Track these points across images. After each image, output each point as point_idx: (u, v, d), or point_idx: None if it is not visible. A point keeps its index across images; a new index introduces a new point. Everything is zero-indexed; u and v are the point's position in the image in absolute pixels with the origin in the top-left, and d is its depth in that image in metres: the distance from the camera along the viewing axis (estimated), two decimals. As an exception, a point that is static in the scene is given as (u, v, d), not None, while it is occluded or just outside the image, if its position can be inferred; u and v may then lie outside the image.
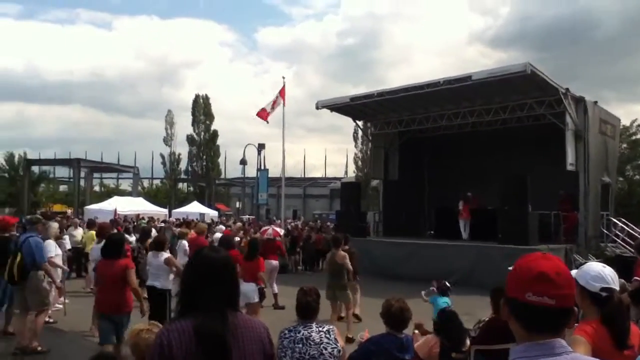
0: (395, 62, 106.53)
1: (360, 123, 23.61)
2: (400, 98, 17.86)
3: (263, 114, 20.61)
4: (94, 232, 12.05)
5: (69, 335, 8.55)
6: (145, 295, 7.79)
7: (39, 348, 7.19)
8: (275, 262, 12.05)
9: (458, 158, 20.27)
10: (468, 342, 4.66)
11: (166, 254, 8.25)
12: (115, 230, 13.24)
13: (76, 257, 14.33)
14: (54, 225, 10.11)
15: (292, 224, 28.33)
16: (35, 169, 41.64)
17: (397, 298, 4.00)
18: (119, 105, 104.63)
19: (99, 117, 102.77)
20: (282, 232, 14.47)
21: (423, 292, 7.65)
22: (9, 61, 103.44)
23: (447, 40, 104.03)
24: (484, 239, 15.64)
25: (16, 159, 43.84)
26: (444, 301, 6.89)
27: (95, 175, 46.72)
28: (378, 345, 3.76)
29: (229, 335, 2.12)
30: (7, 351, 7.37)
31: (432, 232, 19.97)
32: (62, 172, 50.61)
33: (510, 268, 1.56)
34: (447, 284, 7.35)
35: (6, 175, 44.09)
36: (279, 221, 23.20)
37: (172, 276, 8.06)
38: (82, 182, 39.93)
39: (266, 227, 15.15)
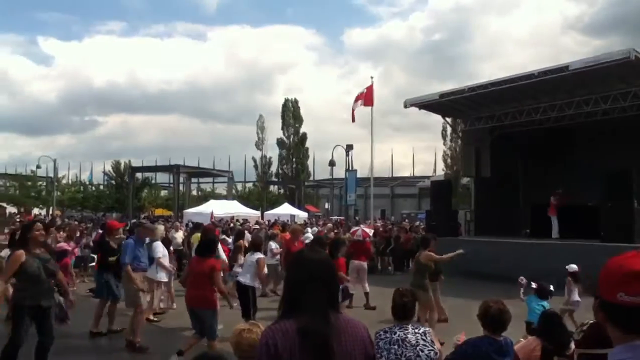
0: (485, 55, 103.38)
1: (449, 120, 23.10)
2: (492, 92, 17.24)
3: (353, 115, 20.72)
4: (199, 234, 12.61)
5: (173, 334, 9.03)
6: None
7: (138, 345, 7.52)
8: (363, 263, 11.98)
9: (555, 153, 19.26)
10: (572, 345, 4.44)
11: (260, 255, 8.62)
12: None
13: (177, 259, 15.14)
14: (161, 228, 10.79)
15: (381, 224, 28.23)
16: (138, 175, 44.44)
17: (496, 299, 3.87)
18: (213, 113, 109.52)
19: (195, 124, 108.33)
20: (371, 232, 14.40)
21: (521, 291, 7.41)
22: (115, 75, 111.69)
23: (539, 29, 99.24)
24: (584, 237, 14.76)
25: (122, 166, 47.05)
26: (541, 304, 6.62)
27: (193, 180, 49.09)
28: (476, 348, 3.65)
29: (333, 336, 2.14)
30: (115, 348, 7.85)
31: (528, 230, 19.11)
32: (162, 178, 53.65)
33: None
34: (551, 288, 7.00)
35: (113, 182, 47.40)
36: (369, 221, 23.23)
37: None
38: (181, 187, 42.14)
39: (356, 228, 15.16)
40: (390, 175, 65.06)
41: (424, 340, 3.58)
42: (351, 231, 15.71)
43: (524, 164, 21.08)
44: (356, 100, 20.37)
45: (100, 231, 13.38)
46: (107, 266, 8.55)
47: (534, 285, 7.06)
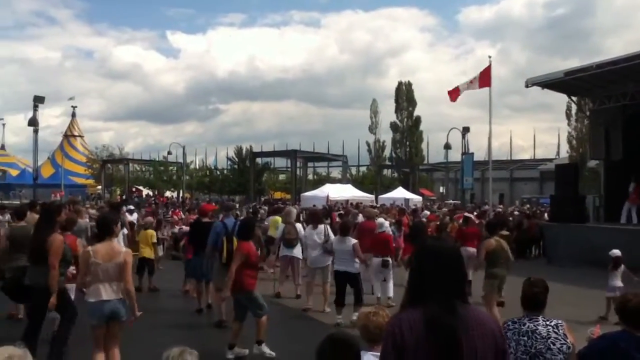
0: (614, 28, 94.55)
1: (575, 99, 21.72)
2: (624, 69, 15.99)
3: (453, 93, 19.49)
4: (278, 218, 12.74)
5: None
6: None
7: (225, 324, 7.78)
8: (471, 249, 11.26)
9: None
10: None
11: (352, 240, 8.65)
12: (329, 218, 14.26)
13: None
14: (293, 211, 11.25)
15: (497, 209, 27.27)
16: (258, 160, 46.47)
17: (635, 293, 3.68)
18: (327, 98, 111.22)
19: (310, 110, 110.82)
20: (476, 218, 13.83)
21: None
22: (236, 65, 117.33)
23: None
24: None
25: (243, 152, 49.47)
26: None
27: (309, 164, 50.43)
28: (613, 343, 3.50)
29: (460, 328, 2.10)
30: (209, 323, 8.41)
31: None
32: (281, 162, 55.59)
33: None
34: None
35: (236, 166, 50.02)
36: (484, 206, 22.48)
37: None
38: (298, 171, 43.51)
39: (459, 214, 14.57)
40: (509, 158, 62.20)
41: (555, 332, 3.50)
42: (455, 217, 15.24)
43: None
44: (468, 86, 19.21)
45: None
46: (202, 247, 8.72)
47: None
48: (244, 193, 44.86)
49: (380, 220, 11.17)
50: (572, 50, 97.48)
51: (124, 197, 38.76)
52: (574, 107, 37.41)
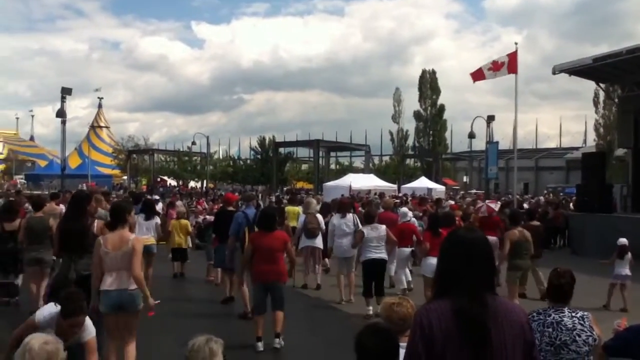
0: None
1: (603, 86, 21.27)
2: (655, 54, 15.60)
3: (478, 74, 18.93)
4: (297, 208, 12.77)
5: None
6: None
7: (249, 315, 7.66)
8: (493, 238, 10.77)
9: None
10: None
11: (383, 226, 8.68)
12: (352, 207, 14.24)
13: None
14: (313, 201, 11.28)
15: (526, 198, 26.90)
16: (281, 150, 46.59)
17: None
18: (351, 87, 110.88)
19: (333, 99, 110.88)
20: (497, 207, 13.51)
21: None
22: (260, 55, 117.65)
23: None
24: None
25: (266, 142, 49.65)
26: None
27: (332, 154, 50.40)
28: (639, 335, 3.49)
29: (489, 319, 2.09)
30: (234, 314, 8.36)
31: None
32: (303, 152, 55.73)
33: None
34: None
35: (259, 156, 50.26)
36: (507, 196, 22.23)
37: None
38: (320, 161, 43.52)
39: (480, 204, 14.24)
40: (535, 147, 61.24)
41: (581, 324, 3.48)
42: (475, 208, 15.02)
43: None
44: (490, 69, 18.62)
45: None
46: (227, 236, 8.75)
47: None
48: (266, 183, 45.08)
49: (404, 209, 11.16)
50: (602, 35, 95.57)
51: (149, 187, 39.28)
52: (601, 95, 36.63)
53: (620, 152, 30.59)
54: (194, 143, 46.61)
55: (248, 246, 6.85)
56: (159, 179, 48.80)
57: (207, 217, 15.79)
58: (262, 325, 6.59)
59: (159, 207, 16.22)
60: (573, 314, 3.53)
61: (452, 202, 20.66)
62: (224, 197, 11.53)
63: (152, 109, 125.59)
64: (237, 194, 31.76)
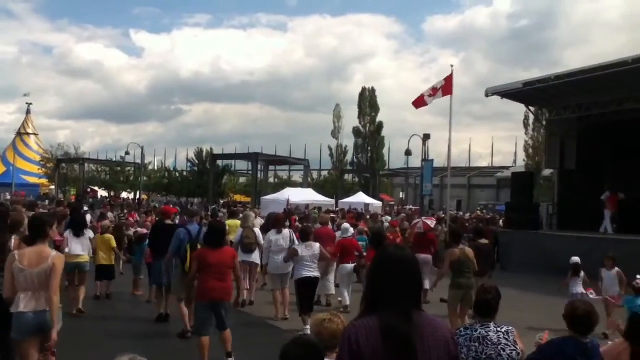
0: (572, 42, 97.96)
1: (533, 109, 22.28)
2: (581, 81, 16.47)
3: (419, 101, 19.47)
4: (237, 222, 12.34)
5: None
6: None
7: (189, 334, 7.52)
8: (428, 257, 11.19)
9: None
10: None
11: (317, 244, 8.68)
12: (288, 222, 14.04)
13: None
14: (252, 215, 11.02)
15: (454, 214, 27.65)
16: (219, 162, 45.90)
17: (584, 301, 3.77)
18: (292, 102, 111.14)
19: (274, 113, 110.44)
20: (433, 224, 13.63)
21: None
22: (199, 66, 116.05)
23: (633, 13, 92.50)
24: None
25: (204, 154, 48.80)
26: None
27: (270, 167, 50.14)
28: (559, 349, 3.56)
29: (415, 335, 2.12)
30: (171, 332, 7.98)
31: (614, 226, 18.09)
32: (242, 165, 55.09)
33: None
34: None
35: (196, 168, 49.30)
36: (439, 212, 22.77)
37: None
38: (259, 175, 43.19)
39: (416, 221, 14.39)
40: (468, 165, 63.38)
41: (506, 339, 3.53)
42: (411, 224, 15.10)
43: (613, 156, 19.91)
44: (430, 95, 19.14)
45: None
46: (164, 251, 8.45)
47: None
48: (203, 196, 44.23)
49: (345, 225, 11.09)
50: (533, 61, 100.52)
51: (78, 197, 37.61)
52: (531, 117, 38.42)
53: (547, 172, 32.05)
54: (127, 153, 45.19)
55: (194, 263, 6.54)
56: (89, 190, 46.88)
57: (139, 229, 15.21)
58: (208, 347, 6.27)
59: (88, 218, 15.51)
60: (498, 329, 3.58)
61: (390, 219, 20.86)
62: (162, 210, 10.91)
63: (84, 116, 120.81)
64: (171, 205, 31.06)
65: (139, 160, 47.96)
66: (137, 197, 45.75)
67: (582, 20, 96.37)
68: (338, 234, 11.51)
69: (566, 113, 19.08)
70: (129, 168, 51.27)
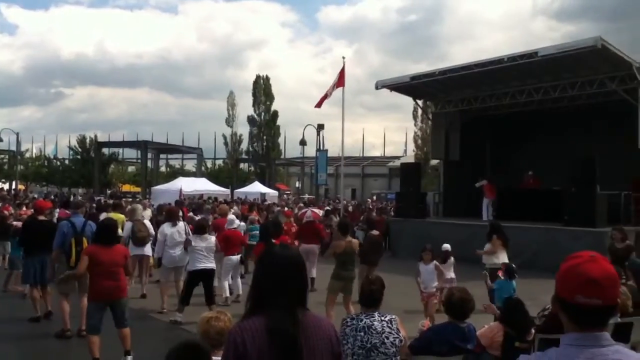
0: (458, 37, 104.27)
1: (420, 102, 23.26)
2: (462, 76, 17.38)
3: (321, 101, 19.81)
4: (121, 216, 11.65)
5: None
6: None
7: (68, 333, 7.35)
8: (314, 246, 11.35)
9: (522, 138, 19.66)
10: (533, 330, 4.59)
11: (212, 237, 8.78)
12: (181, 212, 13.65)
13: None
14: (139, 207, 10.50)
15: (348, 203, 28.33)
16: (105, 150, 43.53)
17: (460, 288, 3.98)
18: (184, 87, 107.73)
19: (165, 99, 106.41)
20: (321, 214, 13.76)
21: (487, 281, 7.61)
22: (82, 47, 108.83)
23: (511, 13, 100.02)
24: (548, 221, 15.16)
25: (87, 141, 45.98)
26: (512, 287, 6.81)
27: (162, 156, 48.42)
28: (439, 334, 3.75)
29: (301, 334, 2.15)
30: (52, 331, 7.53)
31: (494, 213, 19.49)
32: (130, 153, 52.65)
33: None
34: (514, 266, 7.30)
35: (79, 157, 46.35)
36: (335, 202, 23.27)
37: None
38: (149, 163, 41.51)
39: (304, 210, 14.48)
40: (362, 155, 65.32)
41: (389, 327, 3.64)
42: (299, 213, 15.15)
43: (492, 147, 21.36)
44: (331, 91, 19.37)
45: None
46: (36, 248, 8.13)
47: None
48: (87, 186, 41.76)
49: (231, 217, 10.94)
50: (422, 55, 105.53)
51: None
52: (419, 109, 40.19)
53: (434, 162, 33.81)
54: (0, 140, 41.47)
55: (84, 260, 6.16)
56: (-45, 179, 42.56)
57: (15, 223, 14.02)
58: (99, 346, 6.04)
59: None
60: (382, 318, 3.67)
61: (287, 209, 20.88)
62: (35, 205, 10.09)
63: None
64: (53, 197, 28.95)
65: (14, 148, 44.19)
66: (13, 187, 42.21)
67: (466, 17, 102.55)
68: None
69: (450, 106, 20.13)
70: (2, 156, 47.15)
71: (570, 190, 14.37)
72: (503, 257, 9.06)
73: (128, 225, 10.35)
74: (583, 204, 13.77)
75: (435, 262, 8.38)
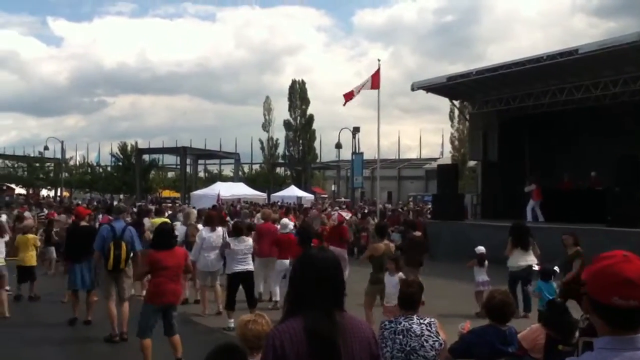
0: (495, 37, 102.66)
1: (457, 103, 23.00)
2: (500, 75, 17.11)
3: (348, 96, 19.66)
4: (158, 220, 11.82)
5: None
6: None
7: (116, 338, 7.42)
8: (342, 250, 11.20)
9: (562, 137, 19.16)
10: (577, 333, 4.48)
11: (249, 238, 8.80)
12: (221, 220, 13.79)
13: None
14: (193, 212, 10.63)
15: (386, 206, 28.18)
16: (145, 157, 44.47)
17: (502, 290, 3.92)
18: (221, 94, 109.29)
19: (203, 105, 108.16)
20: (348, 216, 13.67)
21: (530, 288, 7.47)
22: (125, 56, 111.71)
23: (549, 11, 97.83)
24: (591, 222, 14.73)
25: (129, 148, 47.08)
26: (553, 289, 6.66)
27: (200, 161, 49.13)
28: (480, 337, 3.70)
29: (339, 337, 2.15)
30: (97, 337, 7.62)
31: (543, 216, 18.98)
32: (170, 159, 53.65)
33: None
34: (554, 268, 7.13)
35: (120, 164, 47.50)
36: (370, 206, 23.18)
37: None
38: (188, 169, 42.21)
39: (332, 213, 14.44)
40: (397, 157, 64.89)
41: (429, 330, 3.62)
42: (328, 216, 15.06)
43: (532, 147, 20.93)
44: (360, 89, 19.26)
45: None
46: (80, 254, 8.33)
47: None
48: (129, 192, 42.76)
49: (285, 220, 10.94)
50: (458, 56, 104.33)
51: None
52: (456, 110, 39.75)
53: (472, 163, 33.32)
54: (46, 148, 42.91)
55: (144, 265, 6.31)
56: (4, 187, 44.16)
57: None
58: (151, 349, 6.09)
59: (3, 218, 14.52)
60: (421, 321, 3.66)
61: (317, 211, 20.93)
62: (76, 211, 10.40)
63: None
64: (96, 203, 29.76)
65: (59, 156, 45.62)
66: (59, 194, 43.58)
67: (503, 16, 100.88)
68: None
69: (488, 106, 19.82)
70: (48, 164, 48.73)
71: (614, 191, 13.97)
72: (520, 260, 8.86)
73: (182, 229, 10.36)
74: (627, 204, 13.37)
75: (401, 273, 7.00)
